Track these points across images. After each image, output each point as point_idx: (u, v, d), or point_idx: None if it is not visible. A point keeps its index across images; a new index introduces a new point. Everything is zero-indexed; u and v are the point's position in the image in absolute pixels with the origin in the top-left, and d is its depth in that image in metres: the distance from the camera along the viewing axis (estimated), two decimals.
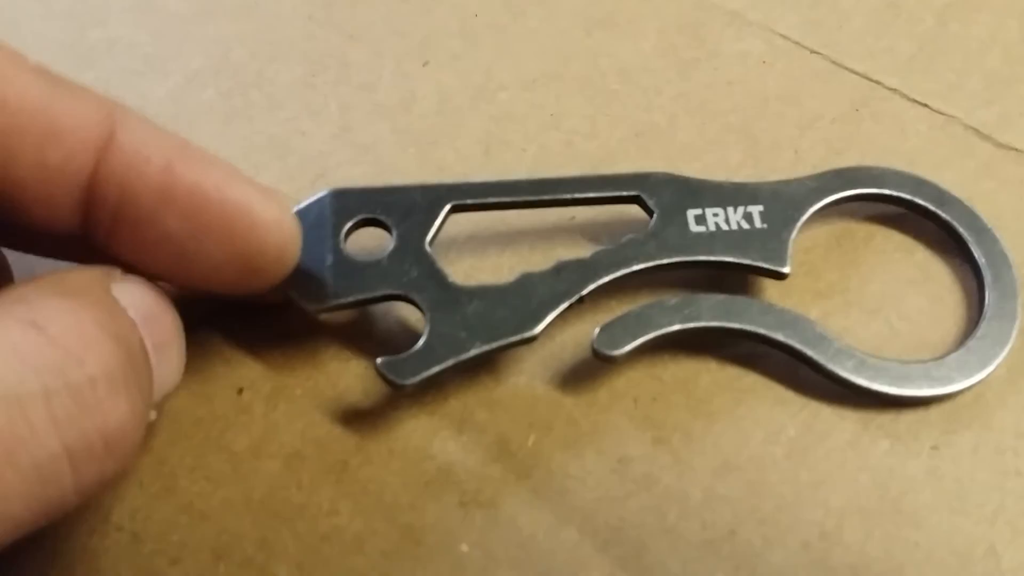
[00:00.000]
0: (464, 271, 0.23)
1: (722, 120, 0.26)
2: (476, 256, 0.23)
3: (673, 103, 0.26)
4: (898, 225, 0.24)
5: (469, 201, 0.22)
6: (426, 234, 0.21)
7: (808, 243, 0.23)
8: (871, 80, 0.26)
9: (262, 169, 0.25)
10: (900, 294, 0.23)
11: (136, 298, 0.17)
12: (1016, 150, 0.25)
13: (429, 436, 0.21)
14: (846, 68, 0.26)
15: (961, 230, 0.23)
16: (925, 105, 0.26)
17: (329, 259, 0.21)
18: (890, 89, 0.26)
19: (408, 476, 0.20)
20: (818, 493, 0.20)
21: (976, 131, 0.25)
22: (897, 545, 0.19)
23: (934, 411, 0.21)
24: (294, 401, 0.21)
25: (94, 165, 0.17)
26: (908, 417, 0.21)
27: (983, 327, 0.22)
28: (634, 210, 0.22)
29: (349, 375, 0.21)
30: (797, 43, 0.27)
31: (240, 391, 0.21)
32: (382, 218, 0.21)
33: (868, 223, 0.24)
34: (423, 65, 0.27)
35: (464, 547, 0.19)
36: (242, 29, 0.29)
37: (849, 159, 0.25)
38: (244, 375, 0.21)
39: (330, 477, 0.20)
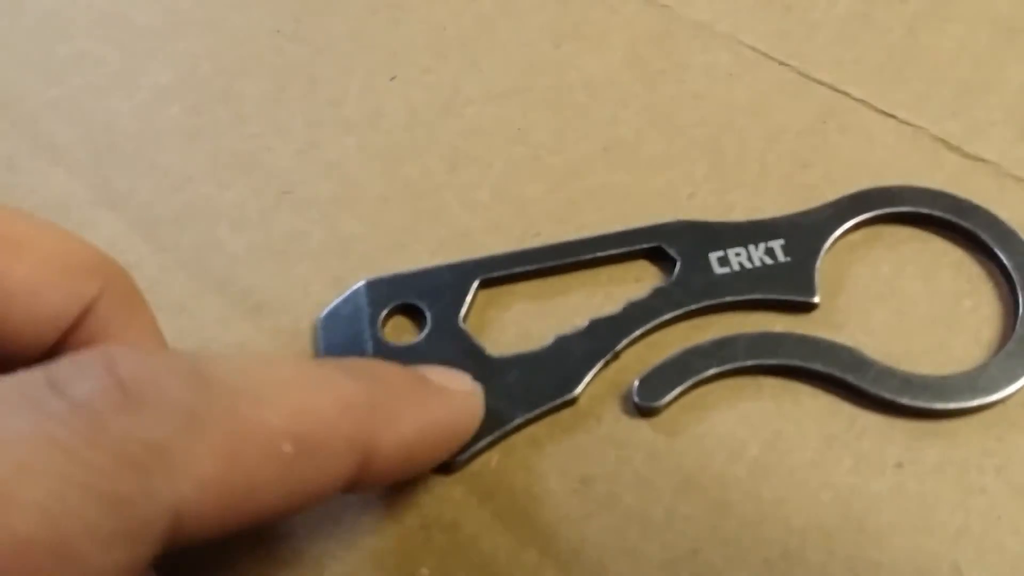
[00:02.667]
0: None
1: (688, 133, 0.25)
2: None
3: (639, 116, 0.26)
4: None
5: (496, 274, 0.22)
6: (459, 312, 0.22)
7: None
8: (838, 91, 0.26)
9: (227, 186, 0.25)
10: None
11: None
12: (984, 161, 0.25)
13: None
14: (813, 79, 0.26)
15: (985, 237, 0.23)
16: (892, 116, 0.25)
17: (369, 348, 0.21)
18: (857, 100, 0.26)
19: (369, 498, 0.20)
20: (780, 511, 0.20)
21: (944, 142, 0.25)
22: (860, 564, 0.19)
23: (898, 428, 0.21)
24: None
25: None
26: (872, 434, 0.21)
27: (1020, 328, 0.21)
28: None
29: None
30: (765, 54, 0.27)
31: None
32: (415, 302, 0.22)
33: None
34: (391, 79, 0.27)
35: (424, 570, 0.19)
36: (210, 43, 0.29)
37: (815, 172, 0.24)
38: None
39: None
